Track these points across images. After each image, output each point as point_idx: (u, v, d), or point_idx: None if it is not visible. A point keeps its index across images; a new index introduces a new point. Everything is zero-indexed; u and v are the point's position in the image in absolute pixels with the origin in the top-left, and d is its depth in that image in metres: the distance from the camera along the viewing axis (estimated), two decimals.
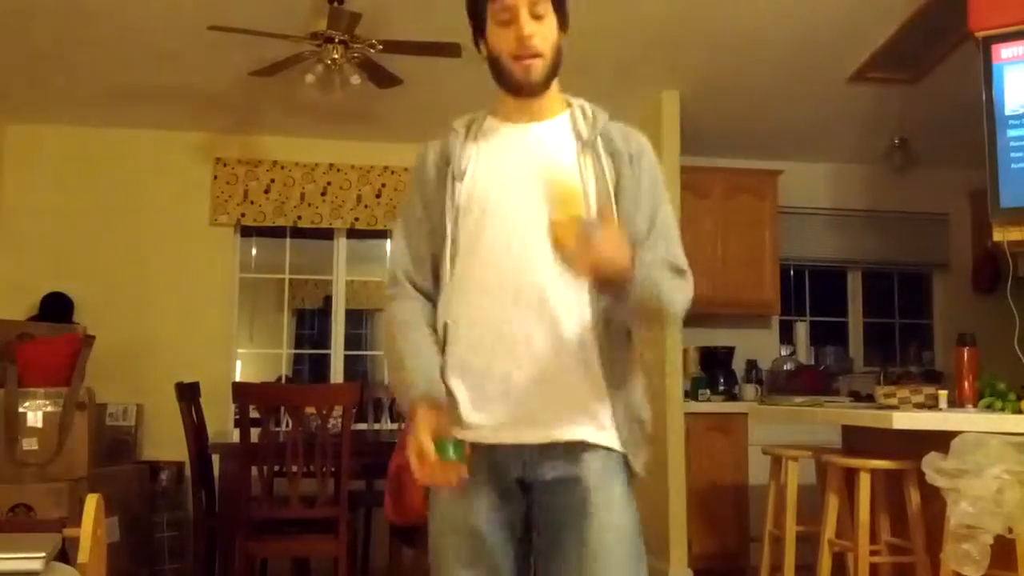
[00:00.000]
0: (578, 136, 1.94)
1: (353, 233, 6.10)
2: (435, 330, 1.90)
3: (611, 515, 1.81)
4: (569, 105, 2.01)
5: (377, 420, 5.50)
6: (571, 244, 1.63)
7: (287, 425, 4.31)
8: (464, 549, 1.84)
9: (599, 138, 1.94)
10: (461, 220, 1.89)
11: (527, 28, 1.85)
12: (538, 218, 1.73)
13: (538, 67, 1.89)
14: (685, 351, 5.67)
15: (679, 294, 1.84)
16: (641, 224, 1.88)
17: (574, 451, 1.83)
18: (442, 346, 1.89)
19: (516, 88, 1.92)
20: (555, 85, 1.97)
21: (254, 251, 6.17)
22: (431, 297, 1.94)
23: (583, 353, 1.83)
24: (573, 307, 1.83)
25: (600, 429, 1.84)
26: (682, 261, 1.89)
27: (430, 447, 1.73)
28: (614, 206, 1.85)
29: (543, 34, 1.88)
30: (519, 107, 1.96)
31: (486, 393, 1.84)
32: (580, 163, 1.90)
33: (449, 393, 1.85)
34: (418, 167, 2.00)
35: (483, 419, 1.84)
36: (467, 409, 1.85)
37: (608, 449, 1.84)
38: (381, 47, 4.39)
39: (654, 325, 1.95)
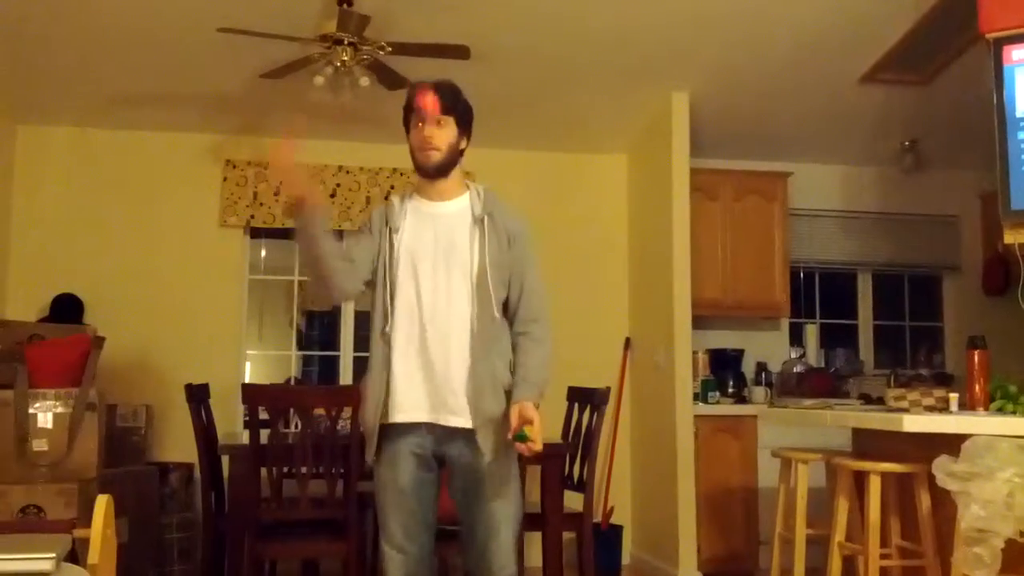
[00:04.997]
0: (472, 215, 2.79)
1: None
2: (369, 340, 2.81)
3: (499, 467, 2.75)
4: (468, 188, 2.86)
5: None
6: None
7: (296, 427, 4.32)
8: (394, 496, 2.74)
9: (486, 217, 2.78)
10: (396, 264, 2.76)
11: (427, 131, 2.75)
12: (440, 273, 2.73)
13: (434, 157, 2.76)
14: (695, 353, 5.65)
15: (544, 364, 2.78)
16: (514, 292, 2.80)
17: (467, 433, 2.70)
18: (386, 351, 2.74)
19: (421, 170, 2.81)
20: (457, 173, 2.84)
21: (263, 253, 6.18)
22: (354, 259, 2.79)
23: (462, 368, 2.71)
24: (464, 339, 2.71)
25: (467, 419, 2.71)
26: (541, 313, 2.82)
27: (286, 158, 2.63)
28: (488, 271, 2.72)
29: (441, 136, 2.76)
30: (431, 188, 2.83)
31: (412, 391, 2.72)
32: (470, 235, 2.76)
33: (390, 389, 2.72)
34: (372, 219, 2.86)
35: (412, 407, 2.72)
36: (403, 400, 2.72)
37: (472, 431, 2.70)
38: (390, 49, 4.40)
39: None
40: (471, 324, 2.72)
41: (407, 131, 2.84)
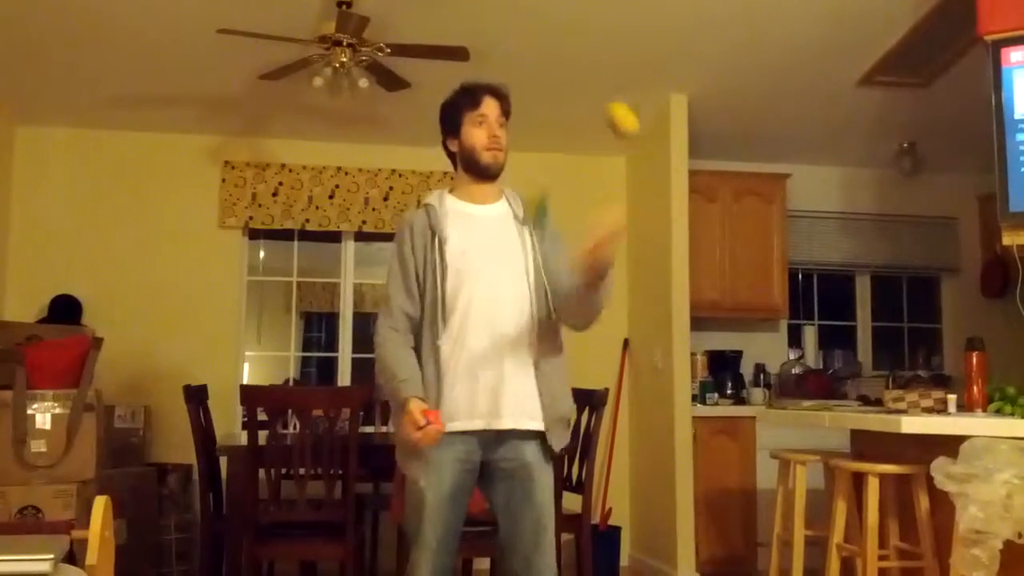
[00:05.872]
0: (515, 216, 2.79)
1: (361, 236, 6.10)
2: (417, 352, 2.68)
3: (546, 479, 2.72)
4: (502, 192, 2.84)
5: (384, 423, 5.50)
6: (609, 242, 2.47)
7: (295, 428, 4.32)
8: (436, 503, 2.64)
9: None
10: (447, 274, 2.67)
11: (497, 131, 2.76)
12: (493, 276, 2.68)
13: (501, 157, 2.77)
14: (693, 355, 5.66)
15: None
16: (563, 275, 2.68)
17: (522, 435, 2.67)
18: (436, 362, 2.64)
19: (484, 171, 2.77)
20: None
21: (262, 254, 6.18)
22: (415, 317, 2.72)
23: (525, 369, 2.68)
24: (524, 340, 2.67)
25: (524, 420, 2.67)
26: None
27: (422, 419, 2.50)
28: (542, 266, 2.72)
29: (505, 137, 2.78)
30: (474, 191, 2.80)
31: (465, 399, 2.64)
32: (519, 236, 2.75)
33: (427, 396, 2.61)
34: (410, 228, 2.77)
35: (466, 416, 2.64)
36: (456, 409, 2.63)
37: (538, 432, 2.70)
38: (389, 50, 4.40)
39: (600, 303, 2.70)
40: (534, 324, 2.69)
41: (454, 131, 2.80)
